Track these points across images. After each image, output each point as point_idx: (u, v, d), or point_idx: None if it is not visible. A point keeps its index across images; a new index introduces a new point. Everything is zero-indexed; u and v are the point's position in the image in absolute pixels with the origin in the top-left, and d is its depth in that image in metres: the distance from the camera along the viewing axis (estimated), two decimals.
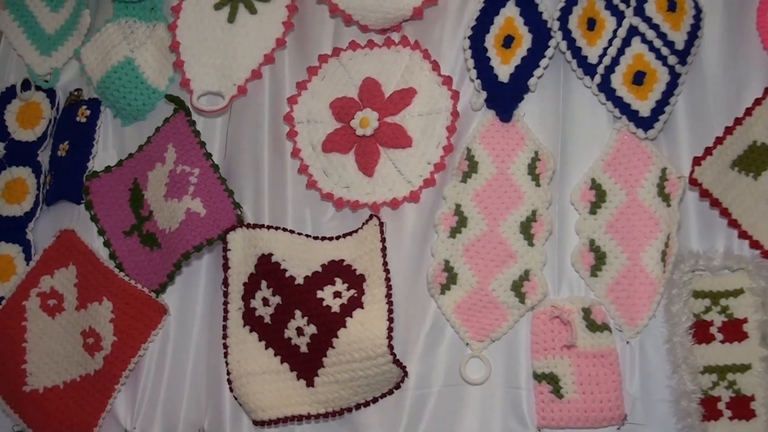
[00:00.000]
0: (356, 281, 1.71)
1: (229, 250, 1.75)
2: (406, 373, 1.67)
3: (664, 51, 1.65)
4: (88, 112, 1.95)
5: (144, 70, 1.91)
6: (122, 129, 1.94)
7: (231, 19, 1.88)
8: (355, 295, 1.68)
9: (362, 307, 1.66)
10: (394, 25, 1.84)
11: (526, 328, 1.68)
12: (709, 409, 1.56)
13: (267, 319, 1.72)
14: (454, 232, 1.71)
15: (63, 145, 1.95)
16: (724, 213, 1.62)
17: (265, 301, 1.72)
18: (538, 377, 1.63)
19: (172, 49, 1.89)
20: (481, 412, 1.66)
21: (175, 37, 1.89)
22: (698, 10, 1.68)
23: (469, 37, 1.77)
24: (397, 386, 1.68)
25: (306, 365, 1.69)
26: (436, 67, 1.79)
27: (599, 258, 1.65)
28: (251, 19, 1.89)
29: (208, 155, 1.82)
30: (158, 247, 1.82)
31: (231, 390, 1.73)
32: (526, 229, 1.68)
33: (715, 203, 1.62)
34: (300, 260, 1.75)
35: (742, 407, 1.55)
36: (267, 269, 1.73)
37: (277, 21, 1.89)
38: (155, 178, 1.86)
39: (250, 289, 1.75)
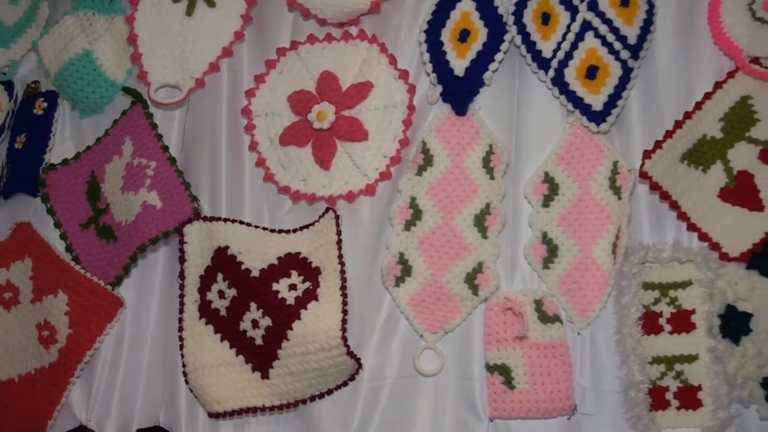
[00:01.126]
0: (312, 274, 1.72)
1: (186, 242, 1.76)
2: (360, 365, 1.68)
3: (617, 46, 1.67)
4: (45, 105, 1.94)
5: (102, 62, 1.91)
6: (80, 121, 1.93)
7: (189, 11, 1.88)
8: (311, 287, 1.69)
9: (317, 300, 1.67)
10: (352, 18, 1.85)
11: (480, 319, 1.69)
12: (657, 399, 1.58)
13: (223, 312, 1.72)
14: (409, 225, 1.72)
15: (20, 138, 1.94)
16: (674, 206, 1.64)
17: (221, 294, 1.73)
18: (491, 368, 1.64)
19: (130, 41, 1.89)
20: (435, 404, 1.68)
21: (133, 29, 1.89)
22: (651, 6, 1.70)
23: (424, 32, 1.78)
24: (352, 378, 1.69)
25: (261, 357, 1.69)
26: (392, 61, 1.81)
27: (551, 250, 1.67)
28: (209, 12, 1.89)
29: (165, 148, 1.82)
30: (114, 239, 1.81)
31: (186, 382, 1.74)
32: (480, 221, 1.70)
33: (664, 196, 1.64)
34: (256, 253, 1.76)
35: (689, 397, 1.58)
36: (223, 262, 1.74)
37: (235, 14, 1.89)
38: (112, 170, 1.86)
39: (206, 281, 1.75)
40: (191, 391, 1.72)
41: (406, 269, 1.69)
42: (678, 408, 1.59)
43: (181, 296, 1.75)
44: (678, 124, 1.66)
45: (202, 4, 1.88)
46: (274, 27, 1.90)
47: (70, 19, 1.93)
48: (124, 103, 1.90)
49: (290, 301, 1.66)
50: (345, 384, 1.70)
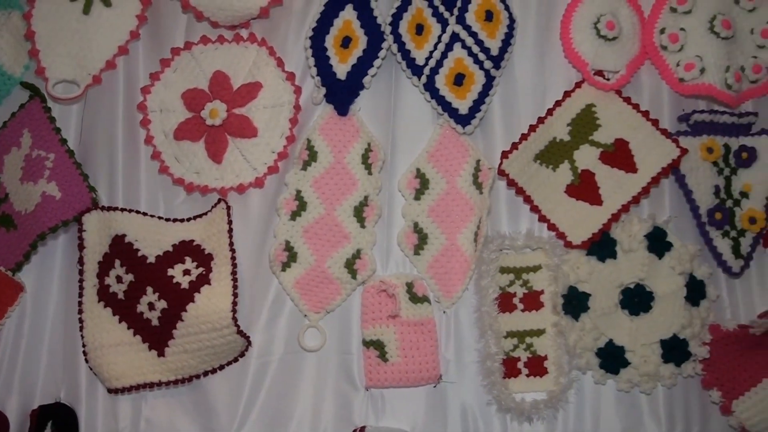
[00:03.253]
0: (205, 260, 1.86)
1: (84, 231, 1.87)
2: (249, 343, 1.84)
3: (481, 56, 1.87)
4: None
5: None
6: None
7: (86, 10, 1.96)
8: (203, 272, 1.84)
9: (209, 284, 1.82)
10: (243, 22, 1.98)
11: (358, 300, 1.87)
12: (510, 368, 1.81)
13: (120, 295, 1.85)
14: (295, 215, 1.88)
15: None
16: (527, 200, 1.86)
17: (119, 279, 1.85)
18: (367, 344, 1.83)
19: (27, 37, 1.95)
20: (317, 376, 1.86)
21: (30, 26, 1.95)
22: (512, 21, 1.90)
23: (310, 37, 1.93)
24: (242, 355, 1.85)
25: (157, 337, 1.83)
26: (280, 63, 1.95)
27: (421, 239, 1.87)
28: (106, 11, 1.97)
29: (63, 141, 1.91)
30: (14, 228, 1.90)
31: (86, 361, 1.85)
32: (359, 212, 1.88)
33: (519, 191, 1.86)
34: (152, 240, 1.88)
35: (537, 366, 1.82)
36: (120, 249, 1.86)
37: (131, 14, 1.99)
38: (11, 161, 1.94)
39: (104, 267, 1.87)
40: (91, 369, 1.84)
41: (291, 255, 1.86)
42: (528, 375, 1.82)
43: (81, 281, 1.87)
44: (532, 128, 1.88)
45: (98, 4, 1.96)
46: (169, 27, 2.00)
47: None
48: (22, 97, 1.97)
49: (184, 285, 1.81)
50: (236, 360, 1.85)
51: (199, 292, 1.79)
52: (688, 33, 1.86)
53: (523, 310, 1.83)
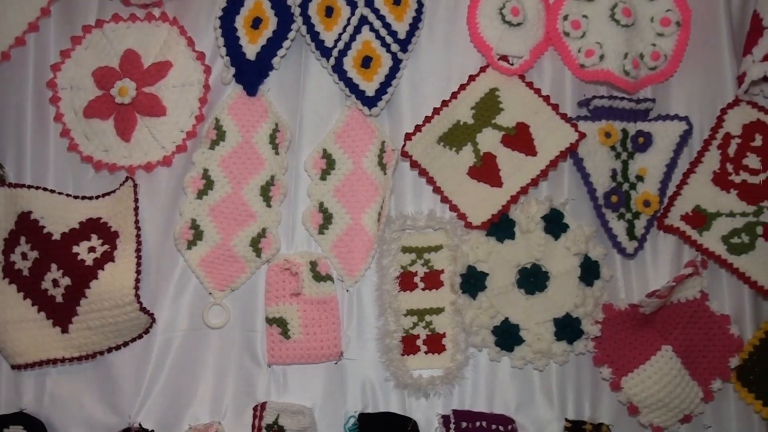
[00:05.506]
0: (110, 237, 1.88)
1: None
2: (153, 320, 1.86)
3: (388, 39, 1.90)
4: None
5: None
6: None
7: None
8: (108, 249, 1.85)
9: (114, 261, 1.84)
10: (156, 0, 1.98)
11: (263, 278, 1.89)
12: (409, 345, 1.86)
13: (25, 272, 1.86)
14: (201, 193, 1.90)
15: None
16: (430, 181, 1.90)
17: (24, 256, 1.86)
18: (270, 321, 1.86)
19: None
20: (220, 353, 1.89)
21: None
22: (420, 5, 1.93)
23: (220, 18, 1.95)
24: (146, 331, 1.88)
25: (61, 314, 1.85)
26: (191, 42, 1.97)
27: (326, 218, 1.90)
28: None
29: None
30: None
31: None
32: (266, 192, 1.91)
33: (422, 173, 1.90)
34: (59, 217, 1.89)
35: (435, 343, 1.86)
36: (26, 226, 1.87)
37: None
38: None
39: (9, 244, 1.88)
40: None
41: (197, 234, 1.89)
42: (426, 352, 1.87)
43: None
44: (436, 111, 1.91)
45: None
46: (81, 5, 1.97)
47: None
48: None
49: (89, 262, 1.82)
50: (140, 337, 1.87)
51: (103, 270, 1.81)
52: (590, 20, 1.90)
53: (423, 289, 1.87)
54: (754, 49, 1.83)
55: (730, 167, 1.84)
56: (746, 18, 1.92)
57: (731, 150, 1.85)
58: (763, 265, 1.80)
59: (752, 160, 1.82)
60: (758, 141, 1.82)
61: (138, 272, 1.82)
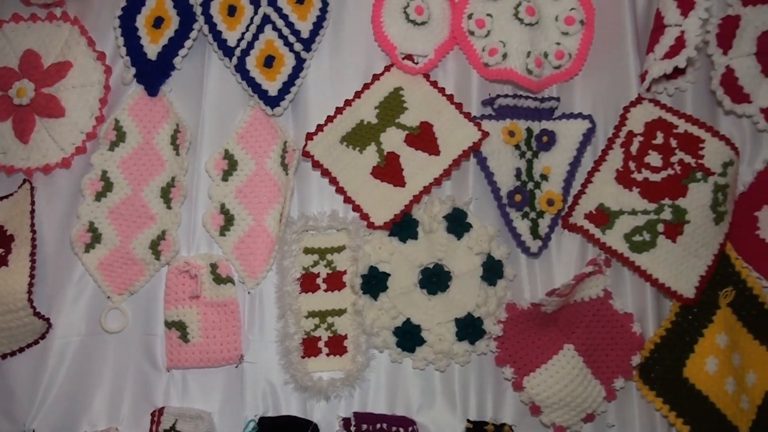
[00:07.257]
0: (5, 241, 1.84)
1: None
2: (50, 325, 1.82)
3: (291, 39, 1.88)
4: None
5: None
6: None
7: None
8: (2, 253, 1.82)
9: (7, 265, 1.79)
10: (57, 0, 1.95)
11: (163, 282, 1.86)
12: (310, 347, 1.83)
13: None
14: (100, 195, 1.87)
15: None
16: (333, 181, 1.88)
17: None
18: (169, 324, 1.83)
19: None
20: (118, 358, 1.85)
21: None
22: (325, 4, 1.92)
23: (120, 17, 1.92)
24: (43, 336, 1.84)
25: None
26: (91, 42, 1.94)
27: (228, 220, 1.87)
28: None
29: None
30: None
31: None
32: (166, 193, 1.88)
33: (325, 173, 1.88)
34: None
35: (337, 345, 1.84)
36: None
37: None
38: None
39: None
40: None
41: (96, 236, 1.85)
42: (327, 354, 1.84)
43: None
44: (338, 110, 1.90)
45: None
46: None
47: None
48: None
49: None
50: (36, 342, 1.83)
51: None
52: (494, 19, 1.89)
53: (326, 290, 1.85)
54: (656, 47, 1.82)
55: (632, 165, 1.83)
56: (651, 17, 1.91)
57: (634, 148, 1.84)
58: (664, 262, 1.79)
59: (654, 158, 1.81)
60: (660, 139, 1.81)
61: (32, 276, 1.78)
